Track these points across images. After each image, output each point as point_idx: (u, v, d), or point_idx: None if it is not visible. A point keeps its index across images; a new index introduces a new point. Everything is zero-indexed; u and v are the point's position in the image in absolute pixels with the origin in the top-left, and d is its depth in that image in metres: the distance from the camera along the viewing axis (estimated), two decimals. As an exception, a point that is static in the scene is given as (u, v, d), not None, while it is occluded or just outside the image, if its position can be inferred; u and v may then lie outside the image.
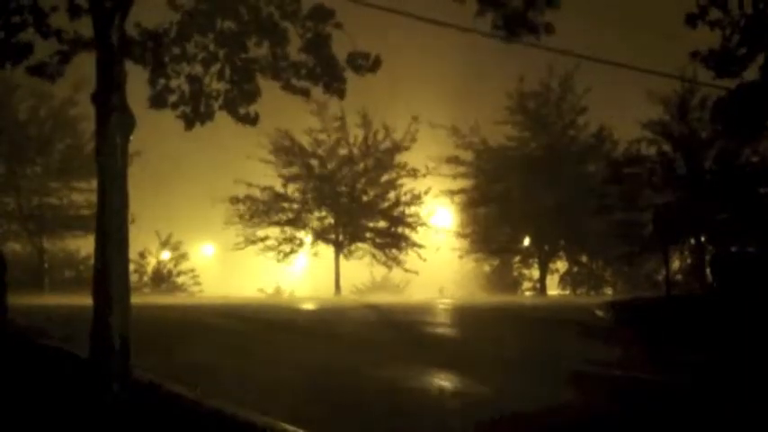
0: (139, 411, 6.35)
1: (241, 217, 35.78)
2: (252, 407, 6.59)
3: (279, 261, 37.09)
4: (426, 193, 36.29)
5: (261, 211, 36.00)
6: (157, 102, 8.52)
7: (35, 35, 7.65)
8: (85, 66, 7.36)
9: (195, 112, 8.63)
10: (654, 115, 32.91)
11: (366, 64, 8.78)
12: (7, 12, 7.42)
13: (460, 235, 38.63)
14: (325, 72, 8.76)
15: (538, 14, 8.10)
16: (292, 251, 36.90)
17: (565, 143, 37.36)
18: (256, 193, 35.73)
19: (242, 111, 8.78)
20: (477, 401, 7.76)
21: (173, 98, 8.55)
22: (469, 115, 37.97)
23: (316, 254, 37.02)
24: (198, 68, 8.59)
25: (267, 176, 36.16)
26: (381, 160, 36.25)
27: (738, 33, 15.29)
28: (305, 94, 9.06)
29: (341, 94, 9.01)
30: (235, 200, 35.51)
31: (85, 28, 7.38)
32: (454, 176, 37.21)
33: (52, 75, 7.94)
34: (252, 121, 8.86)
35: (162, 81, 8.46)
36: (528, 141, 37.88)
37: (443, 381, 8.94)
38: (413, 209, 36.43)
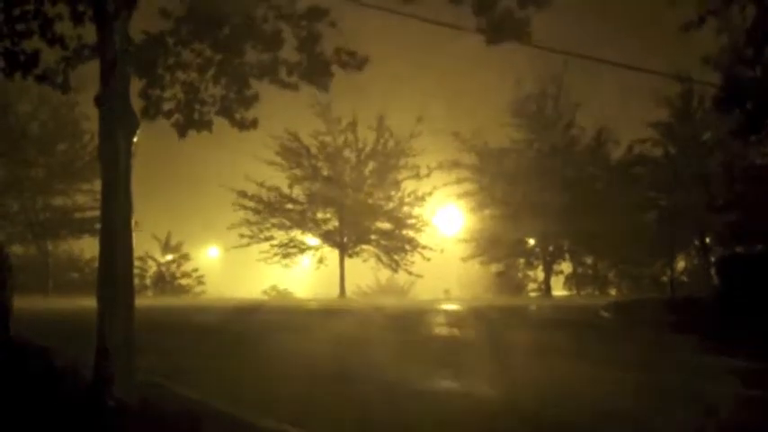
0: (143, 413, 6.33)
1: (249, 210, 35.77)
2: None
3: (284, 266, 37.15)
4: (430, 194, 36.27)
5: (266, 209, 35.98)
6: (150, 112, 8.36)
7: (41, 43, 7.59)
8: (88, 67, 7.34)
9: (188, 120, 8.50)
10: (659, 116, 32.94)
11: (353, 62, 8.77)
12: (12, 19, 7.37)
13: (466, 240, 38.53)
14: (314, 68, 8.75)
15: (524, 18, 8.10)
16: (298, 253, 36.87)
17: (567, 144, 37.25)
18: (263, 192, 35.82)
19: (238, 116, 8.67)
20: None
21: (168, 106, 8.43)
22: (472, 118, 37.99)
23: (321, 261, 36.90)
24: (193, 75, 8.48)
25: (273, 178, 36.26)
26: (386, 162, 36.22)
27: (744, 34, 15.29)
28: (293, 88, 9.04)
29: (325, 87, 9.00)
30: (243, 194, 35.55)
31: (89, 34, 7.34)
32: (459, 181, 37.14)
33: (60, 84, 7.82)
34: (251, 125, 8.78)
35: (156, 92, 8.32)
36: (531, 143, 37.80)
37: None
38: (416, 210, 36.43)
